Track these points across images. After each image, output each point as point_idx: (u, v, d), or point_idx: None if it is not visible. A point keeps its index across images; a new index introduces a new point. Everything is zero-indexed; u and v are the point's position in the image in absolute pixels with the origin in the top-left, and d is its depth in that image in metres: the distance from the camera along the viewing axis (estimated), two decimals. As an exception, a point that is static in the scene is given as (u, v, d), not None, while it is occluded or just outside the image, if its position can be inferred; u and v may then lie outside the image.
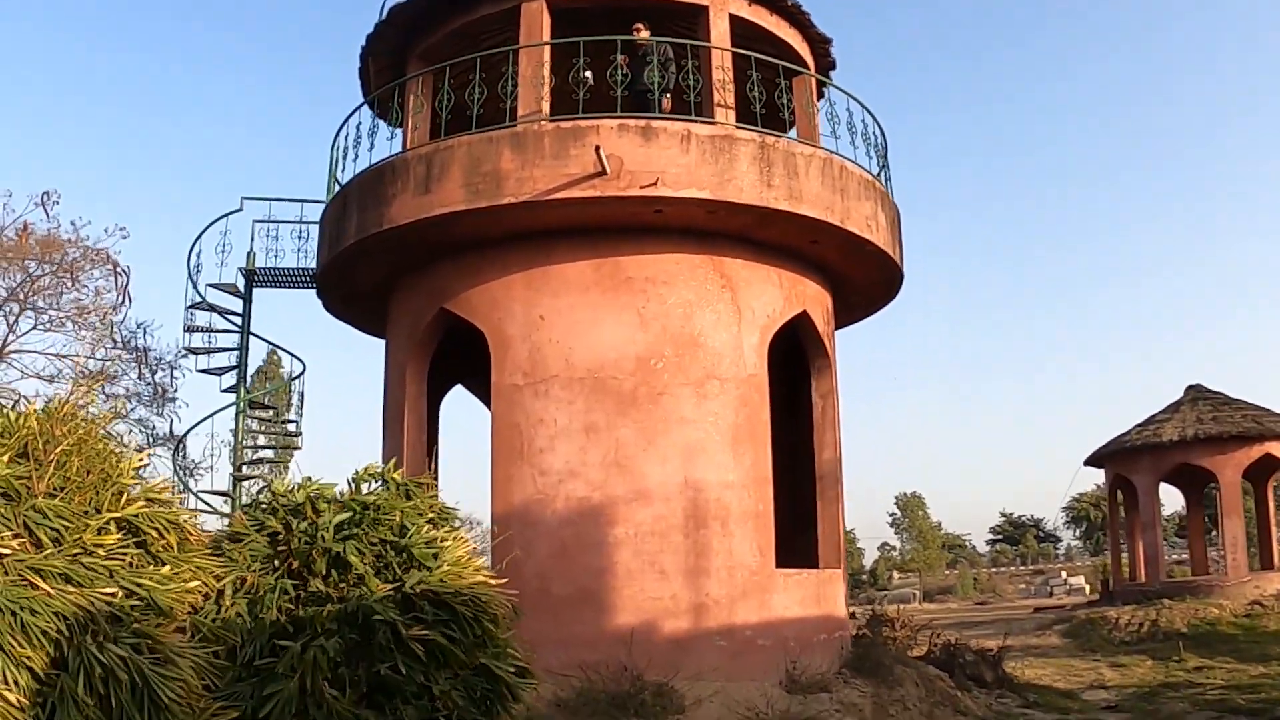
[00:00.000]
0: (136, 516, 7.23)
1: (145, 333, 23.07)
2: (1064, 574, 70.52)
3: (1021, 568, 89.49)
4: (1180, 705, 19.00)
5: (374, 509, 8.64)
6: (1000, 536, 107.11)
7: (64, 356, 22.79)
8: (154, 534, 7.28)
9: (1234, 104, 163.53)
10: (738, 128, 14.84)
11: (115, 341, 22.97)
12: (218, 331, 17.95)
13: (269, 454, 18.37)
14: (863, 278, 17.02)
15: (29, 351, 22.57)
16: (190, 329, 17.81)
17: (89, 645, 6.18)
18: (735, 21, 16.30)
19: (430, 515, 8.99)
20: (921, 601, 59.10)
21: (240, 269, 17.82)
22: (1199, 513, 41.44)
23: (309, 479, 9.02)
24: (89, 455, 7.39)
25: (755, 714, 13.03)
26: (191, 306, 17.75)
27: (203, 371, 18.17)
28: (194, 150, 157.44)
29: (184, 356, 22.43)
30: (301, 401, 18.47)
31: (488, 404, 19.44)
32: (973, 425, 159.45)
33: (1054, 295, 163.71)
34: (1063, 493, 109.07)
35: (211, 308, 17.71)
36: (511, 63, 15.74)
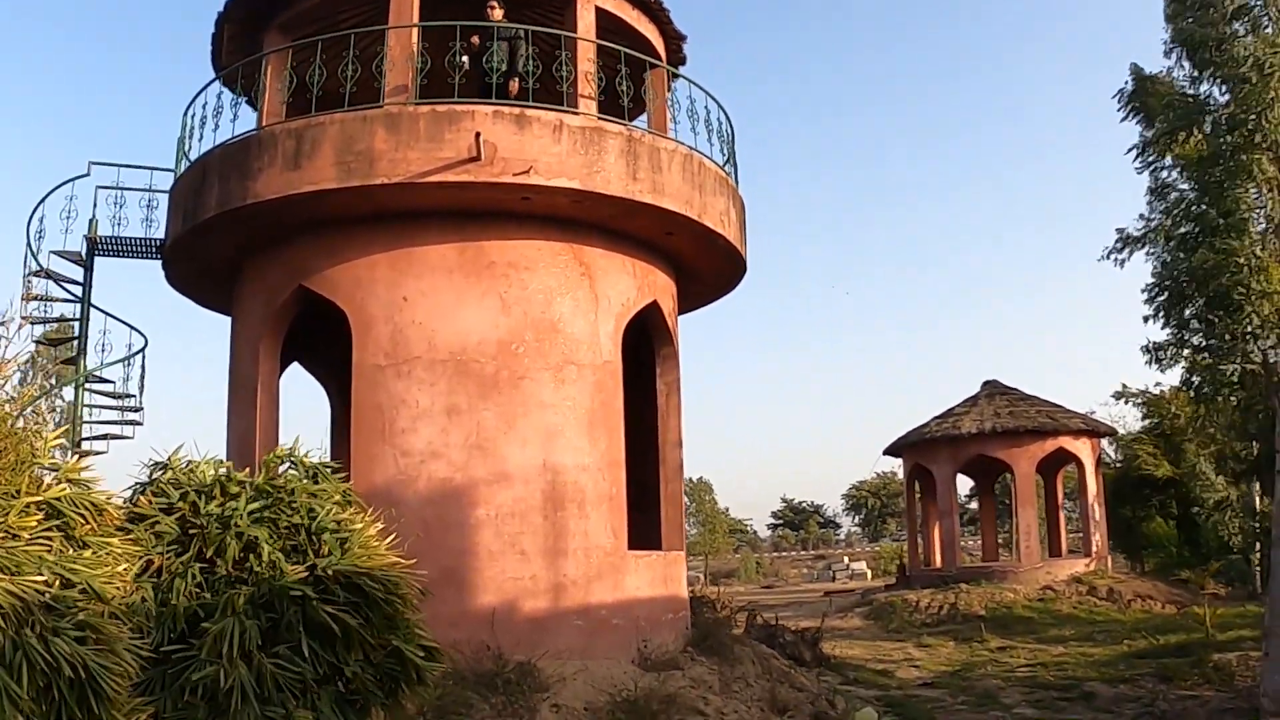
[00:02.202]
0: (59, 499, 7.19)
1: (-37, 299, 22.41)
2: (846, 559, 72.02)
3: (803, 553, 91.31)
4: (994, 682, 19.92)
5: (286, 492, 8.71)
6: (781, 522, 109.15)
7: None
8: (76, 517, 7.23)
9: (1021, 97, 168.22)
10: (604, 119, 15.11)
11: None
12: (56, 301, 17.51)
13: (111, 429, 17.97)
14: (710, 269, 17.41)
15: None
16: (28, 298, 17.32)
17: (29, 638, 6.08)
18: (600, 14, 16.50)
19: (337, 498, 9.09)
20: (707, 584, 60.00)
21: (85, 236, 17.36)
22: (990, 502, 42.99)
23: (220, 461, 9.07)
24: (3, 434, 7.32)
25: (619, 691, 13.36)
26: (32, 274, 17.25)
27: (39, 342, 17.76)
28: (37, 111, 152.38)
29: (2, 324, 21.89)
30: (143, 376, 18.09)
31: (326, 384, 19.56)
32: (757, 410, 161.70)
33: (844, 283, 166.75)
34: (849, 479, 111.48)
35: (50, 276, 17.24)
36: (383, 42, 15.72)
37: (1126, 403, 39.99)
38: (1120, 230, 20.58)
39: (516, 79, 15.65)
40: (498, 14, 15.95)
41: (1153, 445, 38.53)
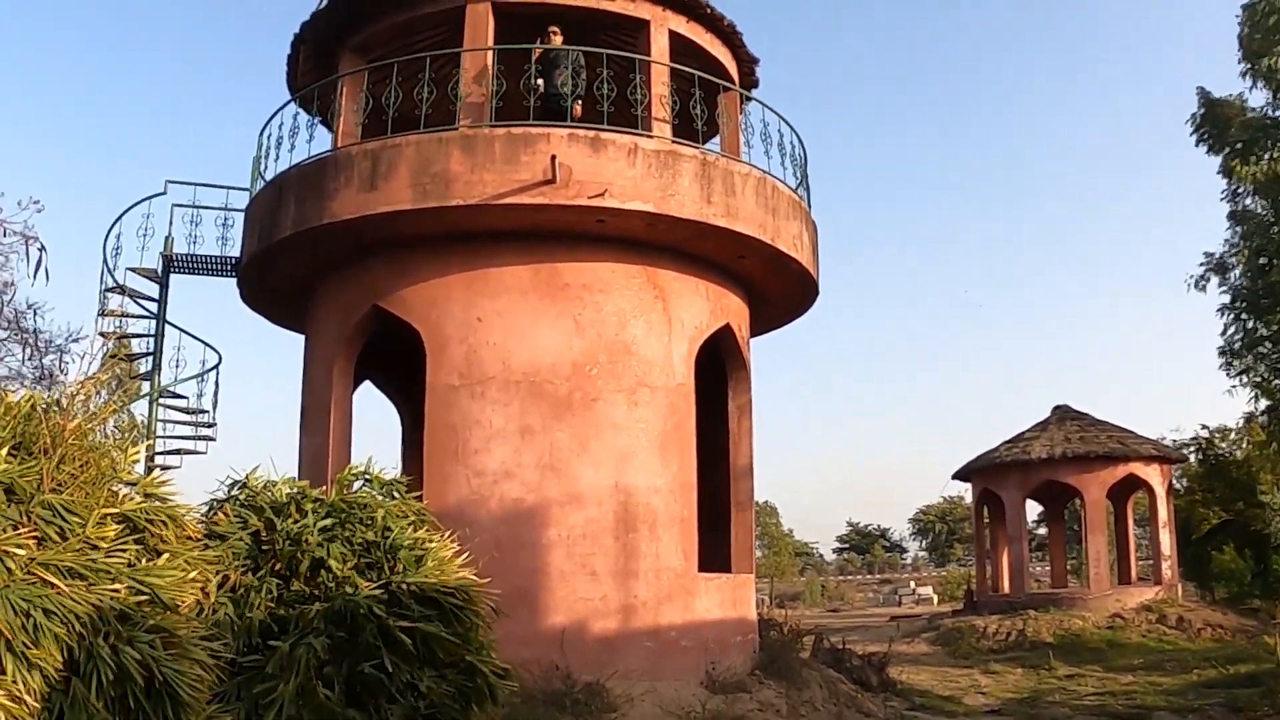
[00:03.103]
0: (136, 512, 7.28)
1: (35, 313, 22.62)
2: (912, 584, 71.37)
3: (869, 577, 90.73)
4: (1061, 710, 19.66)
5: (359, 508, 8.78)
6: (847, 545, 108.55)
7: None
8: (153, 529, 7.32)
9: (1094, 117, 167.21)
10: (678, 143, 15.16)
11: (4, 320, 22.53)
12: (132, 317, 17.69)
13: (184, 445, 18.14)
14: (782, 293, 17.44)
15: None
16: (104, 313, 17.50)
17: (101, 646, 6.17)
18: (673, 37, 16.57)
19: (412, 516, 9.14)
20: (773, 607, 59.75)
21: (161, 254, 17.53)
22: (1060, 528, 42.60)
23: (296, 481, 9.14)
24: (86, 449, 7.42)
25: (686, 713, 13.39)
26: (108, 290, 17.43)
27: (115, 358, 17.90)
28: (116, 131, 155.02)
29: (75, 341, 22.15)
30: (216, 392, 18.26)
31: (397, 403, 19.68)
32: (824, 433, 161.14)
33: (914, 309, 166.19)
34: (916, 503, 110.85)
35: (124, 291, 17.41)
36: (456, 64, 15.86)
37: (1187, 449, 39.59)
38: (1208, 255, 20.44)
39: (579, 103, 15.73)
40: (558, 39, 16.05)
41: (1212, 486, 38.28)
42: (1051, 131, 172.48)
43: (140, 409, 17.09)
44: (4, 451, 6.71)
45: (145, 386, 17.41)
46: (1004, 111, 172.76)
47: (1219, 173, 20.37)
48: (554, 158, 13.84)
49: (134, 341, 17.76)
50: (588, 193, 13.99)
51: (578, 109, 15.72)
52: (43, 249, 18.92)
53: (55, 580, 6.21)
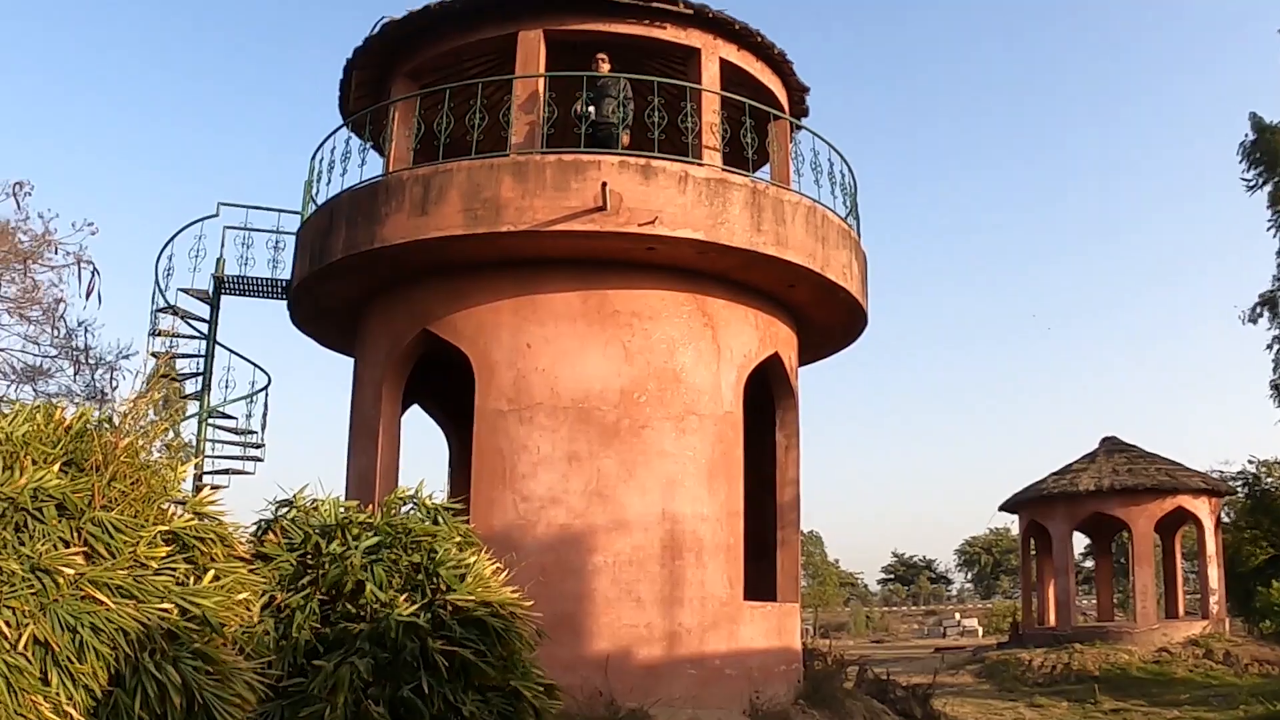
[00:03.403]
0: (186, 530, 7.33)
1: (86, 331, 22.80)
2: (957, 615, 71.02)
3: (914, 608, 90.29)
4: (1106, 745, 19.58)
5: (404, 532, 8.81)
6: (893, 576, 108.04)
7: (-1, 349, 22.49)
8: (202, 548, 7.37)
9: (1148, 151, 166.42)
10: (728, 171, 15.19)
11: (56, 337, 22.71)
12: (182, 337, 17.81)
13: (233, 464, 18.27)
14: (831, 322, 17.42)
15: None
16: (155, 333, 17.63)
17: (147, 663, 6.24)
18: (724, 65, 16.59)
19: (458, 539, 9.17)
20: (817, 637, 59.60)
21: (212, 275, 17.65)
22: (1107, 561, 42.31)
23: (343, 502, 9.18)
24: (137, 467, 7.46)
25: (728, 742, 13.37)
26: (159, 310, 17.58)
27: (165, 377, 18.02)
28: (169, 153, 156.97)
29: (125, 358, 22.29)
30: (265, 413, 18.38)
31: (445, 427, 19.73)
32: (870, 462, 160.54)
33: (961, 341, 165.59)
34: (962, 534, 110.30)
35: (176, 312, 17.55)
36: (506, 91, 16.00)
37: (1236, 482, 39.28)
38: (1263, 296, 20.31)
39: (628, 131, 15.77)
40: (606, 66, 16.10)
41: (1260, 520, 38.00)
42: (1100, 163, 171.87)
43: (189, 428, 17.22)
44: (56, 467, 6.78)
45: (195, 406, 17.52)
46: (1052, 148, 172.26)
47: (1267, 205, 20.25)
48: (605, 185, 13.88)
49: (184, 361, 17.89)
50: (638, 220, 14.02)
51: (626, 137, 15.77)
52: (95, 272, 19.09)
53: (103, 598, 6.27)
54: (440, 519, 9.18)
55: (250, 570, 7.81)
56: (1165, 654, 31.62)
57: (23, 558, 6.22)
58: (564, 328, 14.66)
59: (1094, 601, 46.69)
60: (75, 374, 22.57)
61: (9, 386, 21.58)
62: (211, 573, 7.19)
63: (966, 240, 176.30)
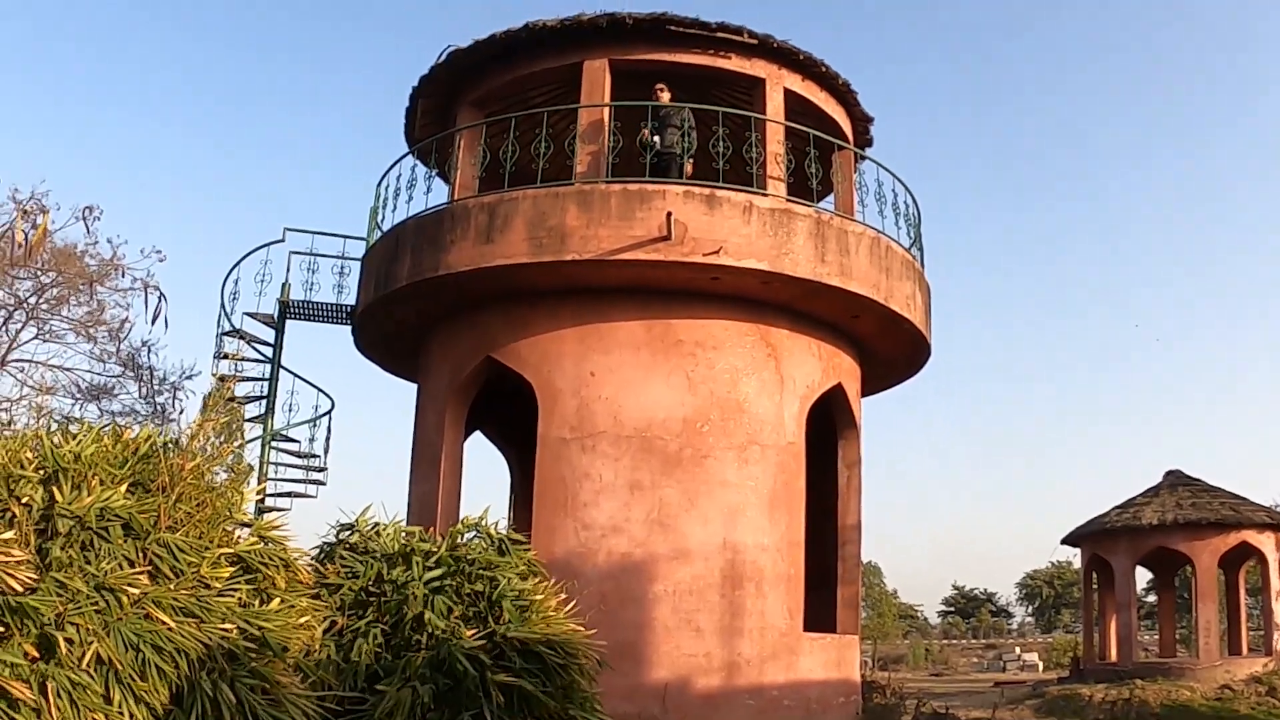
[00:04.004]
0: (249, 553, 7.39)
1: (150, 352, 23.04)
2: (1018, 650, 70.25)
3: (973, 641, 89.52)
4: (1167, 783, 19.36)
5: (467, 562, 8.84)
6: (952, 609, 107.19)
7: (65, 369, 22.77)
8: (266, 571, 7.43)
9: (1211, 192, 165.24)
10: (793, 201, 15.21)
11: (121, 358, 22.97)
12: (247, 360, 17.94)
13: (295, 488, 18.40)
14: (894, 353, 17.39)
15: (29, 361, 22.52)
16: (220, 356, 17.78)
17: (204, 683, 6.29)
18: (788, 95, 16.63)
19: (521, 568, 9.19)
20: (875, 669, 59.22)
21: (277, 299, 17.79)
22: (1169, 596, 41.84)
23: (406, 529, 9.22)
24: (203, 489, 7.53)
25: (786, 775, 13.33)
26: (224, 333, 17.73)
27: (229, 400, 18.15)
28: (234, 183, 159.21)
29: (188, 379, 22.51)
30: (328, 438, 18.50)
31: (506, 454, 19.80)
32: (931, 494, 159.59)
33: (1027, 375, 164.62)
34: (1023, 568, 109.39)
35: (242, 336, 17.68)
36: (571, 120, 16.10)
37: None
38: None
39: (691, 160, 15.80)
40: (665, 96, 16.13)
41: None
42: (1165, 198, 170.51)
43: (253, 451, 17.33)
44: (123, 488, 6.83)
45: (258, 429, 17.64)
46: (1120, 181, 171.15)
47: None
48: (670, 214, 13.92)
49: (248, 385, 18.02)
50: (702, 250, 14.05)
51: (689, 166, 15.84)
52: (162, 298, 19.33)
53: (166, 618, 6.32)
54: (505, 549, 9.22)
55: (313, 595, 7.88)
56: (1228, 691, 31.18)
57: (88, 576, 6.29)
58: (628, 356, 14.70)
59: (1156, 637, 46.17)
60: (139, 394, 22.87)
61: (74, 405, 21.87)
62: (277, 600, 7.25)
63: (1029, 272, 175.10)
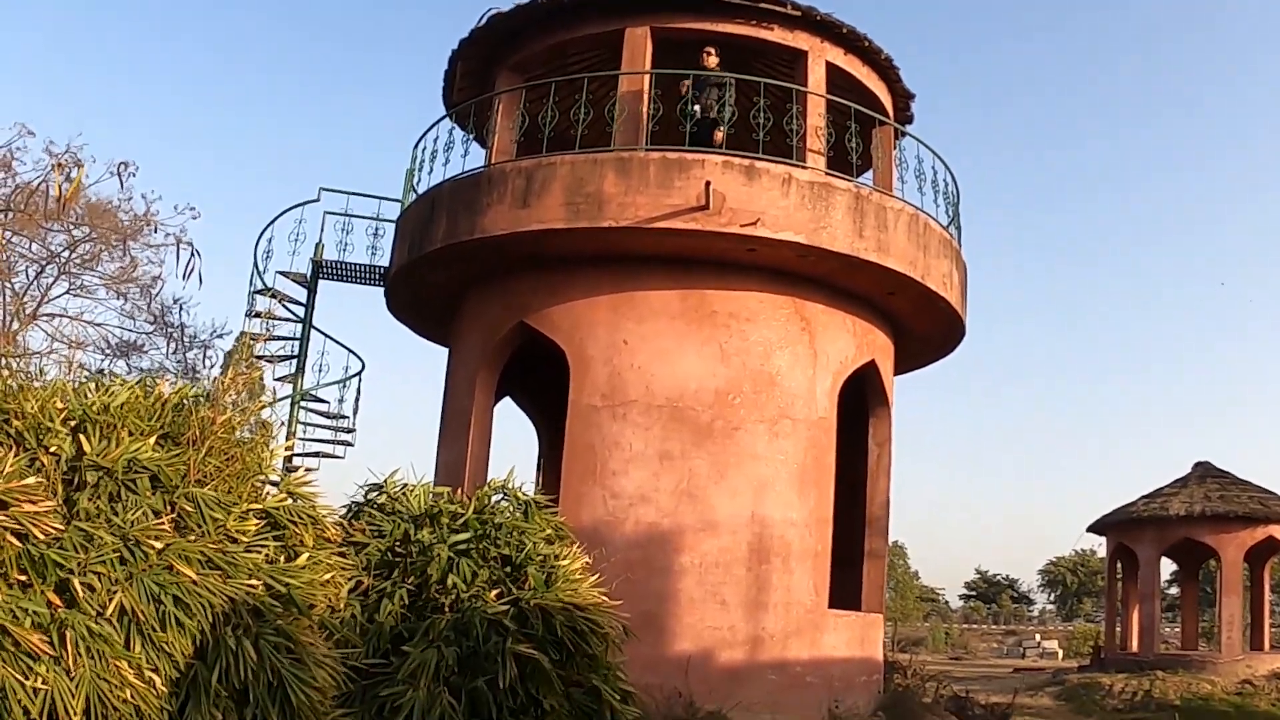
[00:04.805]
0: (278, 509, 7.34)
1: (181, 309, 23.04)
2: (1038, 637, 70.18)
3: (994, 626, 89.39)
4: (1184, 776, 19.26)
5: (495, 526, 8.79)
6: (974, 593, 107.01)
7: (95, 324, 22.79)
8: (293, 528, 7.38)
9: (1249, 184, 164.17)
10: (832, 175, 15.10)
11: (152, 315, 22.98)
12: (278, 319, 17.89)
13: (324, 448, 18.36)
14: (928, 331, 17.26)
15: (59, 315, 22.56)
16: (251, 314, 17.74)
17: (228, 638, 6.27)
18: (830, 68, 16.51)
19: (548, 532, 9.15)
20: (896, 651, 59.15)
21: (310, 259, 17.73)
22: (1193, 588, 41.64)
23: (434, 489, 9.19)
24: (232, 443, 7.49)
25: (807, 750, 13.27)
26: (256, 291, 17.67)
27: (258, 358, 18.12)
28: (270, 143, 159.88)
29: (219, 337, 22.51)
30: (358, 399, 18.46)
31: (535, 420, 19.75)
32: (958, 476, 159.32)
33: (1060, 363, 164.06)
34: (1046, 554, 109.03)
35: (274, 294, 17.63)
36: (611, 86, 16.02)
37: None
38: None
39: (721, 129, 15.69)
40: (713, 60, 16.02)
41: None
42: (1199, 177, 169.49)
43: (282, 410, 17.32)
44: (152, 440, 6.78)
45: (288, 388, 17.62)
46: (1160, 178, 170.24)
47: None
48: (708, 184, 13.81)
49: (279, 344, 17.98)
50: (740, 221, 13.94)
51: (718, 134, 15.67)
52: (195, 253, 19.28)
53: (189, 570, 6.29)
54: (531, 512, 9.16)
55: (339, 554, 7.84)
56: (1249, 686, 31.01)
57: (114, 527, 6.25)
58: (661, 326, 14.62)
59: (1178, 629, 45.98)
60: (169, 351, 22.88)
61: (104, 360, 21.90)
62: (304, 556, 7.21)
63: (1065, 259, 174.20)
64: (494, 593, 8.29)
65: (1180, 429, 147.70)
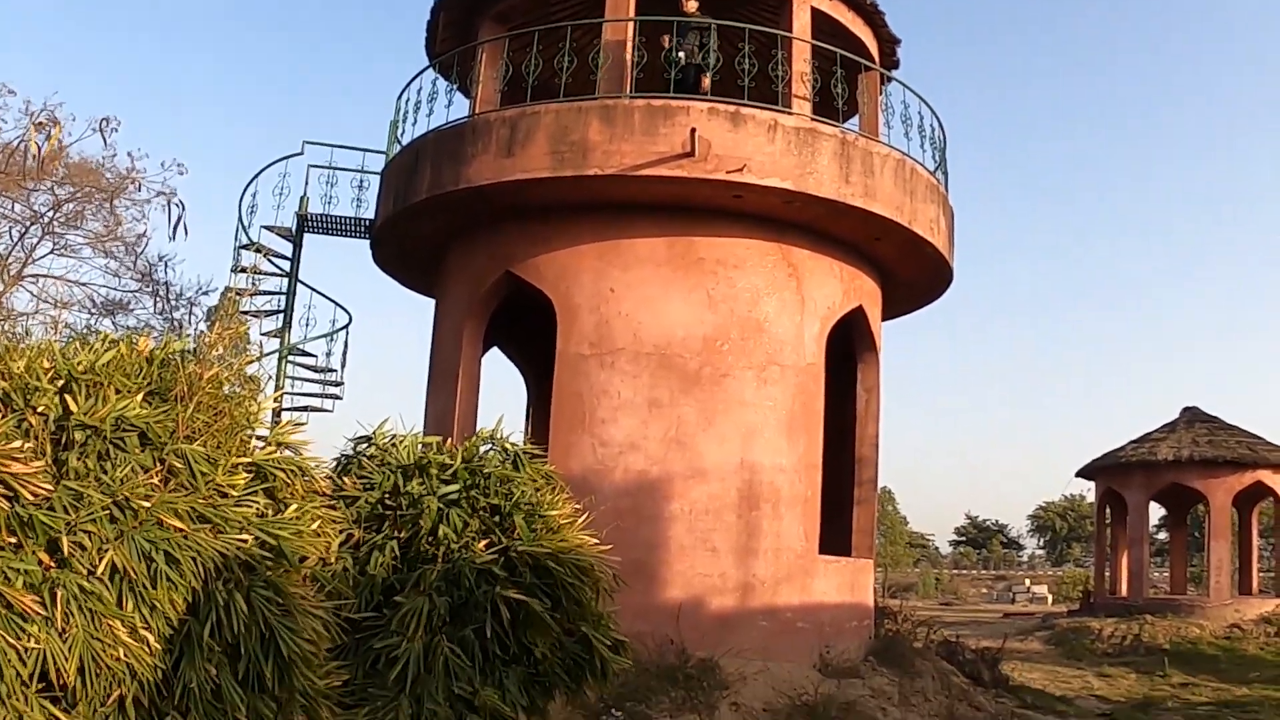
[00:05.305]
0: (267, 461, 7.31)
1: (167, 266, 22.94)
2: (1027, 582, 70.65)
3: (983, 572, 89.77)
4: (1174, 718, 19.33)
5: (484, 476, 8.77)
6: (964, 539, 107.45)
7: (80, 284, 22.72)
8: (283, 479, 7.34)
9: (1238, 122, 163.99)
10: (818, 121, 15.04)
11: (138, 272, 22.92)
12: (264, 274, 17.83)
13: (312, 402, 18.34)
14: (915, 277, 17.23)
15: (44, 276, 22.48)
16: (237, 269, 17.68)
17: (219, 592, 6.26)
18: (815, 14, 16.43)
19: (538, 482, 9.13)
20: (886, 597, 59.27)
21: (295, 213, 17.64)
22: (1182, 533, 41.86)
23: (423, 439, 9.17)
24: (220, 398, 7.45)
25: (798, 694, 13.28)
26: (242, 246, 17.60)
27: (244, 313, 18.08)
28: (253, 96, 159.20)
29: (204, 294, 22.44)
30: (345, 352, 18.42)
31: (524, 370, 19.74)
32: (946, 422, 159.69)
33: (1047, 308, 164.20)
34: (1035, 500, 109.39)
35: (259, 249, 17.56)
36: (594, 34, 15.92)
37: None
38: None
39: (707, 75, 15.62)
40: (691, 5, 15.93)
41: None
42: (1193, 131, 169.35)
43: (269, 365, 17.30)
44: (139, 398, 6.74)
45: (275, 343, 17.58)
46: (1142, 115, 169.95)
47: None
48: (694, 131, 13.74)
49: (265, 298, 17.93)
50: (726, 167, 13.87)
51: (705, 80, 15.61)
52: (182, 206, 19.20)
53: (179, 524, 6.26)
54: (519, 463, 9.14)
55: (329, 506, 7.82)
56: (1237, 630, 31.23)
57: (104, 486, 6.21)
58: (648, 273, 14.59)
59: (1167, 574, 46.21)
60: (155, 309, 22.81)
61: (90, 319, 21.83)
62: (293, 506, 7.18)
63: (1050, 202, 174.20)
64: (483, 543, 8.28)
65: (1170, 374, 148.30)
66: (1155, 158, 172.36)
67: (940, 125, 17.11)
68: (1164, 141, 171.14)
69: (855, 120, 17.78)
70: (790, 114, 14.78)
